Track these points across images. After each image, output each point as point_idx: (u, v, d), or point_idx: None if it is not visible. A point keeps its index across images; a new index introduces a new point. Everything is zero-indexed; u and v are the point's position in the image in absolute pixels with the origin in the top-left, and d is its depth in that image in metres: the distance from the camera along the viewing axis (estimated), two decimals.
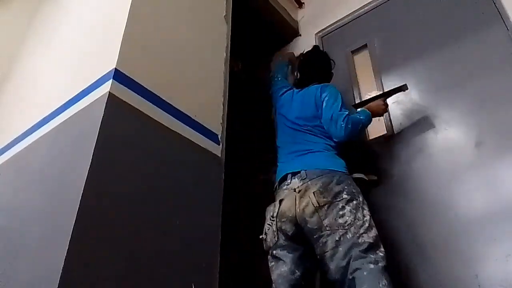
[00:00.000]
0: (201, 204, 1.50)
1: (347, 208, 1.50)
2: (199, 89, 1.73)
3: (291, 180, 1.68)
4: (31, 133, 1.61)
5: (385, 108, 1.96)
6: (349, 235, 1.45)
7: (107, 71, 1.37)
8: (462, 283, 1.59)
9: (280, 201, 1.65)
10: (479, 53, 2.00)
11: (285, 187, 1.69)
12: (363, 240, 1.43)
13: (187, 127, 1.55)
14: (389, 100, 2.22)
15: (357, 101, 2.34)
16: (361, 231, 1.46)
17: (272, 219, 1.64)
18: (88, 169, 1.15)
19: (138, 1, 1.57)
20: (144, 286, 1.18)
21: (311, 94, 1.90)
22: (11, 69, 2.33)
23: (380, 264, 1.39)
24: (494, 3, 2.05)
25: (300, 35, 2.99)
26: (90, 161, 1.16)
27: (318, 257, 1.53)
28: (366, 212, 1.53)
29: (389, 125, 2.13)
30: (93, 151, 1.18)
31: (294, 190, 1.62)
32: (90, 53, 1.62)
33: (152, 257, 1.24)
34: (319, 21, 2.88)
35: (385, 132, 2.14)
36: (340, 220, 1.48)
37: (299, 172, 1.66)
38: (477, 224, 1.66)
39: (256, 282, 2.11)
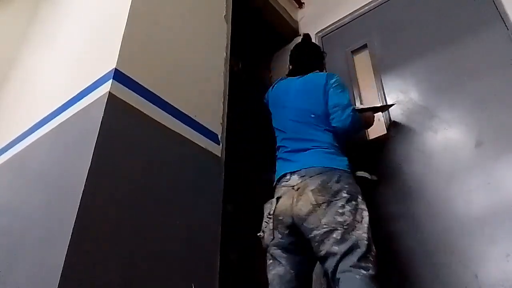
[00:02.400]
0: (201, 204, 1.50)
1: (347, 207, 1.45)
2: (199, 89, 1.73)
3: (290, 177, 1.63)
4: (31, 133, 1.61)
5: (373, 122, 1.96)
6: (346, 236, 1.40)
7: (107, 71, 1.37)
8: (462, 283, 1.59)
9: (278, 198, 1.60)
10: (479, 53, 2.00)
11: (283, 184, 1.64)
12: (361, 243, 1.39)
13: (187, 127, 1.55)
14: (389, 100, 2.22)
15: (357, 100, 2.34)
16: (359, 232, 1.41)
17: (269, 216, 1.59)
18: (88, 169, 1.15)
19: (138, 1, 1.57)
20: (144, 286, 1.18)
21: (318, 80, 1.81)
22: (11, 69, 2.33)
23: (370, 272, 1.34)
24: (494, 3, 2.05)
25: (300, 35, 2.98)
26: (90, 161, 1.16)
27: (314, 254, 1.48)
28: (365, 213, 1.49)
29: (389, 125, 2.13)
30: (93, 151, 1.18)
31: (292, 187, 1.58)
32: (90, 52, 1.62)
33: (152, 257, 1.24)
34: (319, 21, 2.88)
35: (385, 132, 2.14)
36: (340, 219, 1.43)
37: (299, 170, 1.61)
38: (477, 224, 1.65)
39: (256, 282, 2.11)
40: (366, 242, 1.39)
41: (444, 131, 1.94)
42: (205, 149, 1.60)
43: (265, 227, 1.60)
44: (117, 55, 1.39)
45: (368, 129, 2.20)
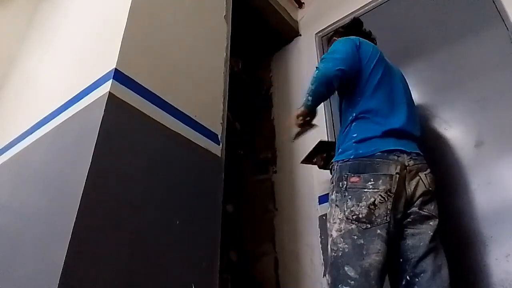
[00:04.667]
0: (201, 204, 1.50)
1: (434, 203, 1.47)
2: (199, 89, 1.73)
3: (400, 154, 1.44)
4: (31, 133, 1.61)
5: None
6: (435, 228, 1.41)
7: (107, 71, 1.37)
8: (463, 283, 1.59)
9: (397, 173, 1.39)
10: (479, 53, 2.00)
11: (393, 158, 1.42)
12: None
13: (187, 127, 1.55)
14: None
15: None
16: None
17: (389, 194, 1.35)
18: (88, 169, 1.15)
19: (138, 1, 1.57)
20: (144, 286, 1.18)
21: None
22: (11, 69, 2.33)
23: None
24: (494, 3, 2.05)
25: (300, 35, 2.99)
26: (90, 161, 1.16)
27: (407, 245, 1.38)
28: None
29: None
30: (93, 151, 1.18)
31: (405, 167, 1.41)
32: (90, 53, 1.62)
33: (152, 257, 1.24)
34: (319, 21, 2.88)
35: None
36: (436, 211, 1.44)
37: (410, 152, 1.46)
38: (477, 224, 1.65)
39: (256, 282, 2.11)
40: None
41: (444, 131, 1.94)
42: (205, 149, 1.60)
43: (381, 202, 1.34)
44: (117, 55, 1.39)
45: None
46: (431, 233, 1.38)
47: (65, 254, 1.02)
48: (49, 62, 1.95)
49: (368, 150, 1.45)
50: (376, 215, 1.33)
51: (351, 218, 1.34)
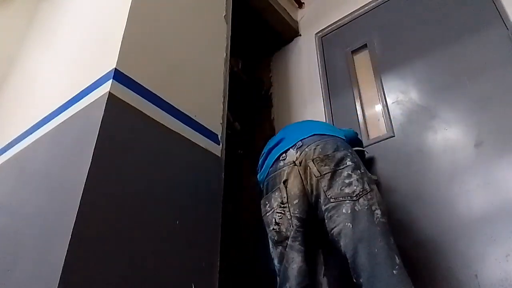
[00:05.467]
0: (201, 204, 1.50)
1: (354, 176, 1.32)
2: (199, 89, 1.73)
3: (285, 154, 1.47)
4: (31, 133, 1.61)
5: None
6: (357, 207, 1.26)
7: (107, 71, 1.37)
8: (462, 283, 1.59)
9: (284, 182, 1.43)
10: (479, 53, 2.00)
11: (281, 164, 1.47)
12: (377, 215, 1.25)
13: (187, 127, 1.55)
14: (389, 100, 2.22)
15: (357, 100, 2.34)
16: (371, 202, 1.28)
17: (282, 206, 1.41)
18: (88, 169, 1.15)
19: (138, 1, 1.57)
20: (144, 286, 1.18)
21: None
22: (11, 69, 2.33)
23: (391, 241, 1.23)
24: (494, 3, 2.05)
25: (300, 35, 2.99)
26: (90, 161, 1.16)
27: (328, 235, 1.33)
28: (373, 185, 1.35)
29: (389, 125, 2.13)
30: (93, 151, 1.18)
31: (294, 163, 1.43)
32: (90, 53, 1.63)
33: (152, 257, 1.24)
34: (319, 21, 2.88)
35: (385, 132, 2.14)
36: (347, 190, 1.29)
37: (293, 144, 1.47)
38: (477, 224, 1.65)
39: (256, 282, 2.11)
40: (381, 214, 1.27)
41: (444, 131, 1.94)
42: (205, 149, 1.60)
43: (280, 218, 1.41)
44: (117, 55, 1.39)
45: (368, 129, 2.21)
46: (349, 224, 1.24)
47: (65, 254, 1.02)
48: (49, 62, 1.95)
49: (263, 174, 1.57)
50: (284, 230, 1.40)
51: (272, 243, 1.45)
